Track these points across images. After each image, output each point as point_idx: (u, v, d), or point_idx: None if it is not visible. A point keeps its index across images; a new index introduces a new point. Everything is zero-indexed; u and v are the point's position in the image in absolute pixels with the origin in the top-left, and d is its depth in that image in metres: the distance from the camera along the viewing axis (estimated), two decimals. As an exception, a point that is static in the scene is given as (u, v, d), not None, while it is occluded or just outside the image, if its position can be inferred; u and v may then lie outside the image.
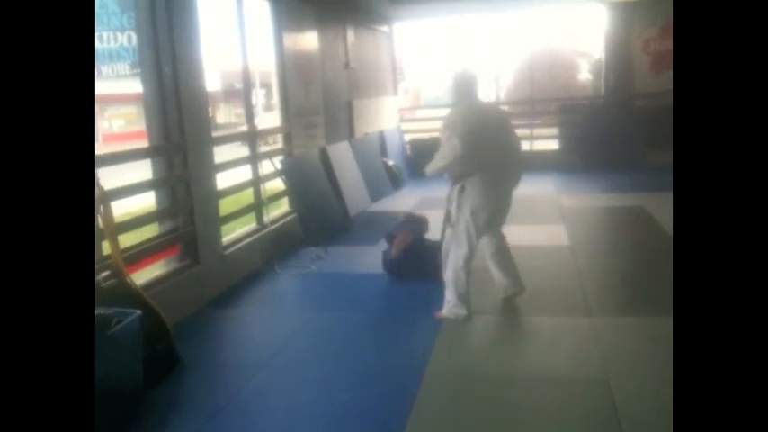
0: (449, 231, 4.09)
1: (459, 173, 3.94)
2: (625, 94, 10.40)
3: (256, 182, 5.83)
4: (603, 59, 10.78)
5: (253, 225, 5.82)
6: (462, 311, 4.01)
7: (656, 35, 10.24)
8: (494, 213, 4.01)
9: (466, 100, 4.01)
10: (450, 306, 4.05)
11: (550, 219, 6.87)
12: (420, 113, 14.70)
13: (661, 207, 6.98)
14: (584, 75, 14.29)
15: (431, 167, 4.05)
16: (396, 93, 11.27)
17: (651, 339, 3.63)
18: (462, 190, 3.93)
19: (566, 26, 12.64)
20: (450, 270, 4.04)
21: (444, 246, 4.13)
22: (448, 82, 4.14)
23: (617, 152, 9.82)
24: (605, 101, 10.65)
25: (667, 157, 10.14)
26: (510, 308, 4.26)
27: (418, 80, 20.64)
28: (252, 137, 5.83)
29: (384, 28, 10.61)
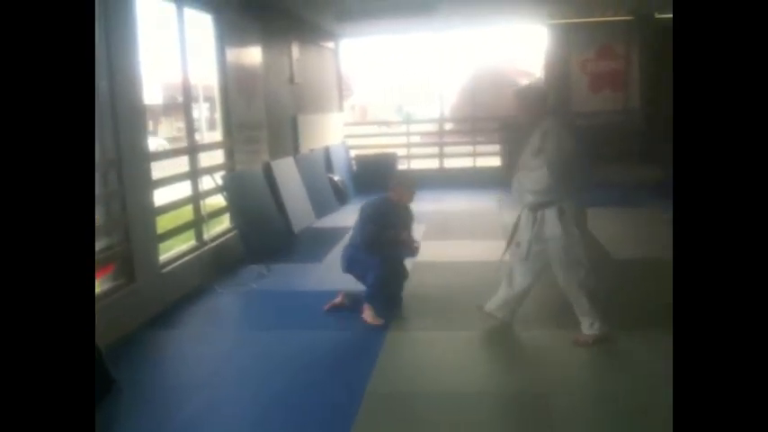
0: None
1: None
2: (564, 113, 10.72)
3: (196, 198, 5.69)
4: (543, 79, 11.09)
5: (192, 242, 5.68)
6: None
7: (594, 56, 10.63)
8: None
9: (543, 117, 3.69)
10: (600, 327, 3.77)
11: (491, 234, 6.97)
12: (367, 129, 14.75)
13: (599, 222, 7.18)
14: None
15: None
16: (342, 109, 11.29)
17: (589, 352, 3.71)
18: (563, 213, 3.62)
19: (508, 46, 12.95)
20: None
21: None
22: (514, 99, 3.79)
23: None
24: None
25: (604, 174, 10.53)
26: (450, 323, 4.29)
27: (365, 96, 20.76)
28: (192, 152, 5.70)
29: (330, 44, 10.63)
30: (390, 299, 4.62)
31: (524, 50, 12.40)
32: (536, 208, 3.70)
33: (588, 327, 3.78)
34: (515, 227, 3.91)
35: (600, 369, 3.56)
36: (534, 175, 3.62)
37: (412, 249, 4.66)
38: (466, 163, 11.50)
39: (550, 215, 3.63)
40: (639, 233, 6.83)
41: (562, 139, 3.59)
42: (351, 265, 4.60)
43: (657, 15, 10.09)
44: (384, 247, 4.47)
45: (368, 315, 4.37)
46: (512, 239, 3.95)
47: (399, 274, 4.74)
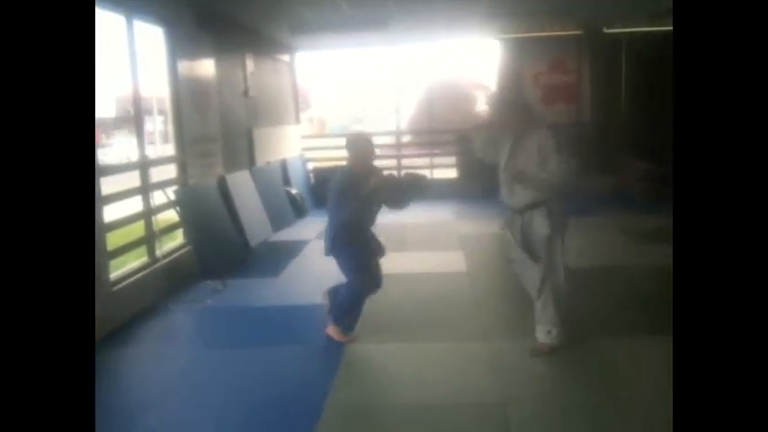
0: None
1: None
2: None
3: (148, 213, 5.56)
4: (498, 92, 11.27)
5: (144, 259, 5.54)
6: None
7: (546, 69, 10.87)
8: None
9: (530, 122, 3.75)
10: (556, 335, 3.80)
11: (448, 245, 7.03)
12: (325, 142, 14.71)
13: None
14: (482, 106, 14.85)
15: None
16: (298, 121, 11.24)
17: (546, 362, 3.75)
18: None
19: (463, 59, 13.14)
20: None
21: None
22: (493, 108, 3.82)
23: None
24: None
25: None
26: (410, 335, 4.28)
27: (323, 109, 20.74)
28: (143, 166, 5.57)
29: (286, 57, 10.59)
30: (375, 285, 4.33)
31: (479, 64, 12.60)
32: (524, 210, 3.72)
33: (545, 335, 3.81)
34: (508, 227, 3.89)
35: (558, 378, 3.59)
36: (547, 176, 3.59)
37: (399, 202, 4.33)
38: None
39: (539, 214, 3.66)
40: (594, 242, 6.97)
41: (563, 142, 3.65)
42: (333, 250, 4.21)
43: (606, 30, 10.40)
44: (367, 220, 4.21)
45: (333, 332, 4.23)
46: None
47: (376, 255, 4.41)
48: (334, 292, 4.41)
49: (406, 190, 4.31)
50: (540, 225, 3.66)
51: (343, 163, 4.26)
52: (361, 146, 4.16)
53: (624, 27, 10.25)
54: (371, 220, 4.29)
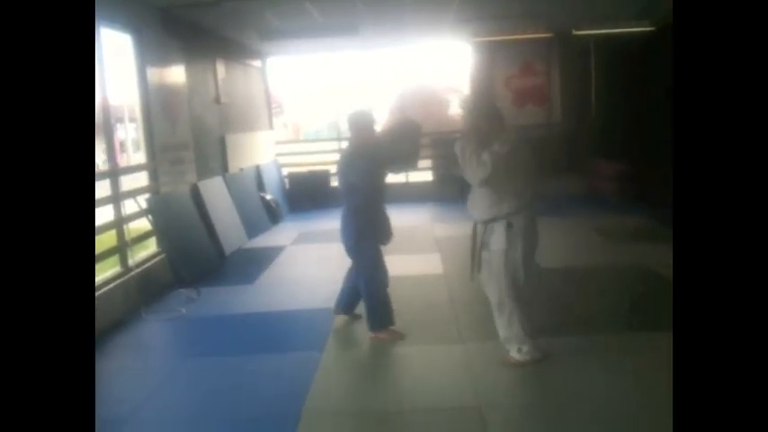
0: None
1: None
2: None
3: (119, 222, 5.48)
4: (470, 96, 11.34)
5: (117, 269, 5.45)
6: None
7: (517, 72, 10.98)
8: None
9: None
10: (529, 351, 3.69)
11: (425, 248, 7.04)
12: (300, 147, 14.64)
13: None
14: (455, 110, 14.94)
15: None
16: (272, 127, 11.18)
17: (522, 363, 3.76)
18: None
19: (435, 63, 13.20)
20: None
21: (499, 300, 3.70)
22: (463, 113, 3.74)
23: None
24: (473, 134, 11.18)
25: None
26: (380, 343, 4.27)
27: (297, 114, 20.62)
28: (113, 174, 5.49)
29: (257, 63, 10.53)
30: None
31: (451, 67, 12.67)
32: (486, 222, 3.66)
33: (517, 352, 3.69)
34: (474, 243, 3.80)
35: (534, 380, 3.61)
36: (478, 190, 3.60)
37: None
38: (398, 178, 11.58)
39: (499, 228, 3.59)
40: (566, 242, 7.05)
41: (512, 147, 3.56)
42: (357, 247, 4.22)
43: (575, 32, 10.53)
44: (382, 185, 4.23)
45: (384, 335, 4.21)
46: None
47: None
48: (346, 304, 4.49)
49: (409, 139, 4.28)
50: (496, 240, 3.60)
51: (318, 167, 4.28)
52: (364, 122, 4.17)
53: (592, 29, 10.40)
54: (383, 196, 4.28)
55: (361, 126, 4.15)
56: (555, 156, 10.66)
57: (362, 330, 4.44)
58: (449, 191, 10.54)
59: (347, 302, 4.56)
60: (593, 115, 10.80)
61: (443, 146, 11.30)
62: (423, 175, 11.46)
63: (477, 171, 3.50)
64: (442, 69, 12.99)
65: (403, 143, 4.23)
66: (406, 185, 11.33)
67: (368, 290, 4.25)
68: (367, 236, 4.18)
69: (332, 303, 5.04)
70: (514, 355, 3.71)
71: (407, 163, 4.36)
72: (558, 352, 3.85)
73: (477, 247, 3.74)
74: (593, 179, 10.17)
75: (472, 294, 5.29)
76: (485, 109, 3.79)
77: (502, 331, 3.73)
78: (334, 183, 11.13)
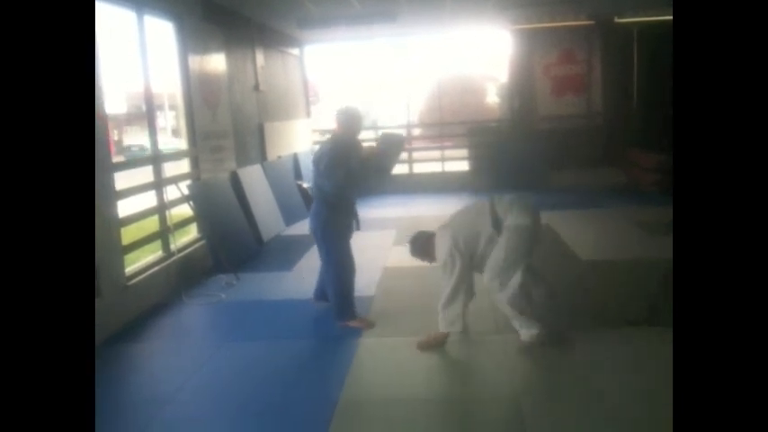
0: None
1: None
2: (529, 117, 10.87)
3: (162, 208, 5.60)
4: (508, 84, 11.23)
5: (159, 253, 5.58)
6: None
7: (555, 60, 10.79)
8: None
9: None
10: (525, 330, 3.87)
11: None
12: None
13: (565, 225, 7.29)
14: (492, 98, 14.80)
15: None
16: (309, 115, 11.24)
17: (558, 355, 3.74)
18: None
19: (473, 51, 13.07)
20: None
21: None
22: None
23: (522, 172, 10.22)
24: (511, 123, 11.09)
25: (568, 177, 10.72)
26: (421, 329, 4.27)
27: (334, 102, 20.72)
28: (156, 161, 5.60)
29: (295, 51, 10.59)
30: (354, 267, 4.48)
31: (489, 55, 12.53)
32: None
33: (518, 326, 3.88)
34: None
35: (572, 371, 3.57)
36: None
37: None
38: (435, 168, 11.56)
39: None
40: (606, 234, 6.94)
41: None
42: (323, 230, 4.34)
43: (617, 20, 10.31)
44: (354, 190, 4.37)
45: (354, 323, 4.36)
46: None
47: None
48: (322, 290, 4.60)
49: (388, 153, 4.42)
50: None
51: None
52: (351, 116, 4.31)
53: (636, 16, 10.16)
54: (357, 193, 4.43)
55: (344, 122, 4.30)
56: (594, 146, 10.50)
57: (400, 319, 4.45)
58: (485, 181, 10.47)
59: (322, 291, 4.67)
60: (634, 105, 10.56)
61: (480, 134, 11.24)
62: (459, 164, 11.41)
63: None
64: (480, 57, 12.86)
65: (386, 157, 4.39)
66: (443, 174, 11.31)
67: (331, 279, 4.37)
68: (332, 226, 4.30)
69: (369, 291, 5.09)
70: (523, 336, 3.86)
71: (379, 173, 4.44)
72: (597, 345, 3.81)
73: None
74: (633, 170, 9.97)
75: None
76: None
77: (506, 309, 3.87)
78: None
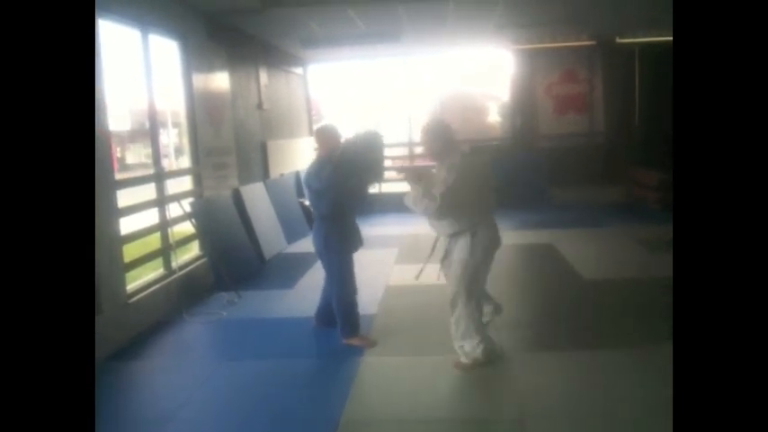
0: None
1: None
2: (531, 136, 10.91)
3: (164, 225, 5.59)
4: (510, 103, 11.28)
5: (160, 271, 5.56)
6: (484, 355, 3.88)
7: (557, 80, 10.86)
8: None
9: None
10: (468, 352, 3.88)
11: (464, 257, 6.98)
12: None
13: (568, 244, 7.28)
14: (494, 117, 14.84)
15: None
16: (311, 133, 11.29)
17: (563, 375, 3.71)
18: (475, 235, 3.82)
19: (475, 70, 13.14)
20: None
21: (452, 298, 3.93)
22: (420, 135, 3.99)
23: (524, 190, 10.23)
24: (513, 142, 11.12)
25: (570, 195, 10.71)
26: (423, 348, 4.25)
27: (336, 121, 20.82)
28: (159, 178, 5.61)
29: (298, 70, 10.66)
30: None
31: (491, 74, 12.60)
32: (452, 235, 3.88)
33: (459, 350, 3.90)
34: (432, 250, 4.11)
35: (577, 392, 3.54)
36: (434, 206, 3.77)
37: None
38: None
39: (462, 240, 3.82)
40: (607, 252, 6.92)
41: (459, 173, 3.72)
42: (326, 250, 4.37)
43: (619, 40, 10.38)
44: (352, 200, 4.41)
45: (356, 341, 4.35)
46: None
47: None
48: (324, 313, 4.58)
49: (370, 148, 4.40)
50: (460, 249, 3.82)
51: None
52: (328, 134, 4.39)
53: (637, 37, 10.23)
54: (355, 207, 4.47)
55: (324, 139, 4.38)
56: (596, 164, 10.52)
57: (403, 338, 4.42)
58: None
59: (324, 314, 4.63)
60: (636, 124, 10.60)
61: (482, 152, 11.26)
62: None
63: (430, 206, 3.74)
64: (482, 76, 12.92)
65: (366, 154, 4.37)
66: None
67: (337, 297, 4.37)
68: (334, 243, 4.32)
69: (372, 309, 5.07)
70: (459, 353, 3.89)
71: (372, 172, 4.45)
72: (600, 364, 3.78)
73: (430, 256, 4.04)
74: (634, 188, 9.98)
75: (513, 305, 5.25)
76: (437, 132, 3.94)
77: (452, 328, 3.92)
78: (372, 189, 11.19)
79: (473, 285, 3.85)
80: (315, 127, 4.51)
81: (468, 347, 3.86)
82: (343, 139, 4.38)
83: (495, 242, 3.93)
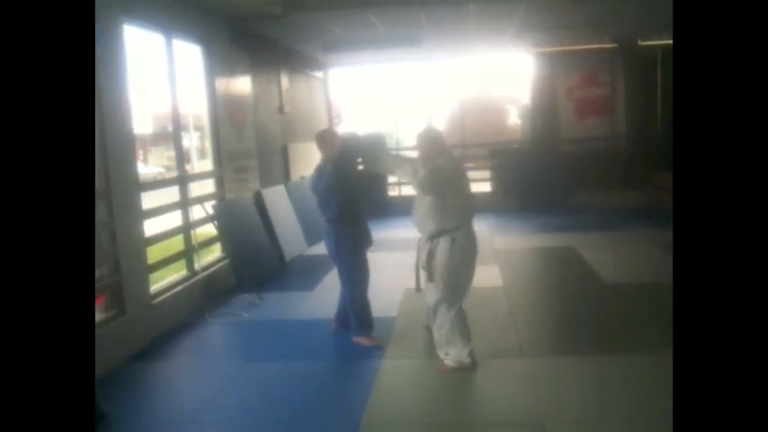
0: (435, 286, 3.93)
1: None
2: (551, 139, 10.84)
3: (187, 227, 5.67)
4: (531, 106, 11.23)
5: (183, 272, 5.64)
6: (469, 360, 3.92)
7: (578, 83, 10.79)
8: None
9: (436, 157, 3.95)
10: (454, 357, 3.92)
11: (484, 259, 6.96)
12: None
13: (589, 247, 7.23)
14: (514, 120, 14.78)
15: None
16: (331, 137, 11.33)
17: (584, 379, 3.69)
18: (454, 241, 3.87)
19: (495, 73, 13.12)
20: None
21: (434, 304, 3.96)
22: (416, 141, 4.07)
23: (544, 194, 10.17)
24: (533, 145, 11.07)
25: (590, 199, 10.63)
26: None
27: (356, 124, 20.88)
28: (182, 181, 5.69)
29: (319, 74, 10.73)
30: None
31: (512, 77, 12.57)
32: (432, 237, 3.91)
33: (444, 356, 3.94)
34: (419, 254, 4.09)
35: (597, 394, 3.52)
36: (423, 208, 3.91)
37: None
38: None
39: (443, 243, 3.85)
40: (628, 257, 6.86)
41: (442, 176, 3.84)
42: (338, 253, 4.45)
43: (641, 43, 10.28)
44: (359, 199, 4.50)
45: (363, 340, 4.42)
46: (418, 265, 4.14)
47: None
48: (343, 316, 4.62)
49: (373, 149, 4.48)
50: (442, 251, 3.85)
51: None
52: (328, 138, 4.53)
53: (659, 39, 10.12)
54: (362, 208, 4.54)
55: (324, 142, 4.50)
56: (617, 168, 10.42)
57: (423, 341, 4.43)
58: (507, 202, 10.44)
59: (343, 316, 4.66)
60: (658, 127, 10.49)
61: (502, 156, 11.23)
62: (481, 185, 11.39)
63: (418, 175, 3.84)
64: (503, 80, 12.89)
65: (364, 149, 4.48)
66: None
67: (350, 296, 4.45)
68: (345, 245, 4.39)
69: (391, 312, 5.09)
70: (443, 358, 3.94)
71: (372, 163, 4.50)
72: (621, 368, 3.76)
73: (420, 261, 4.01)
74: (656, 192, 9.86)
75: (533, 308, 5.24)
76: (429, 137, 4.03)
77: (435, 334, 3.99)
78: (392, 191, 11.22)
79: (456, 292, 3.89)
80: (315, 134, 4.57)
81: (453, 353, 3.91)
82: (340, 142, 4.50)
83: (473, 248, 3.99)
